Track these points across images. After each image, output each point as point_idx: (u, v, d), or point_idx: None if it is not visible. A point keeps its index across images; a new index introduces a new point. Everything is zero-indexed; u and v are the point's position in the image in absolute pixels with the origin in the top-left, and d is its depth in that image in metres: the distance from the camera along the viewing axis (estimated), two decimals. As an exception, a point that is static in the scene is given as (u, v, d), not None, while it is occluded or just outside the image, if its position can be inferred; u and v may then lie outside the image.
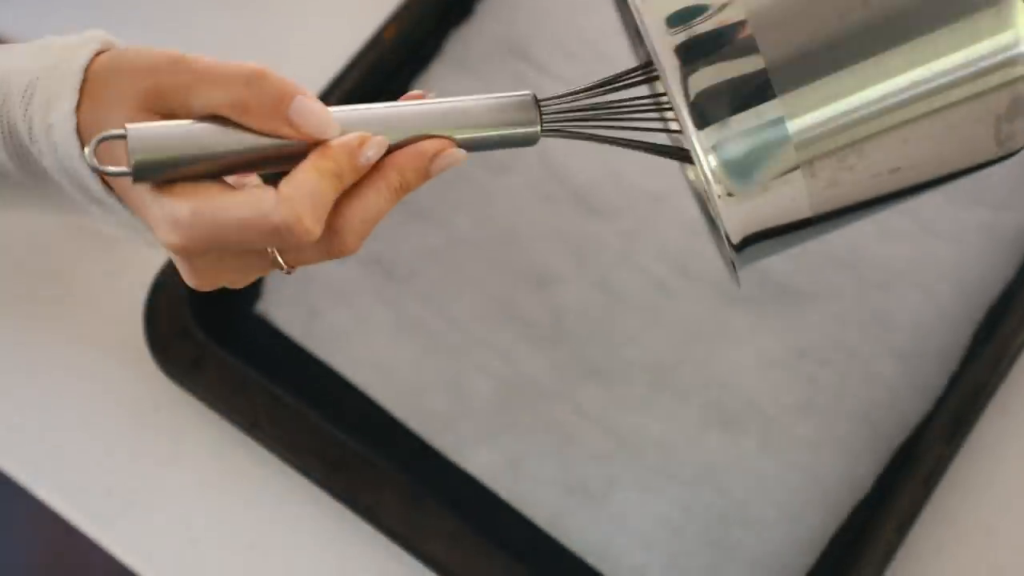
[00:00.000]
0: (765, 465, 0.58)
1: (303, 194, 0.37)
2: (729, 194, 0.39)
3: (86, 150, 0.37)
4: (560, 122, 0.42)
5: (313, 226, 0.38)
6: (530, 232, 0.63)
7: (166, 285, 0.59)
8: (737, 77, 0.38)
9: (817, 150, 0.39)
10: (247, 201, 0.38)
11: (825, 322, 0.60)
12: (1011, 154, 0.42)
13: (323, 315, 0.61)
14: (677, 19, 0.39)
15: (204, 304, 0.60)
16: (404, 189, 0.40)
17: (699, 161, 0.39)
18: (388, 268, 0.62)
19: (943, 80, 0.39)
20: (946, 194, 0.61)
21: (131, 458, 0.60)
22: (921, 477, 0.55)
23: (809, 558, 0.57)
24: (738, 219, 0.40)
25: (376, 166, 0.39)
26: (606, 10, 0.67)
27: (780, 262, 0.61)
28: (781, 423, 0.58)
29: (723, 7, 0.38)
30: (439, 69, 0.67)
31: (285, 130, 0.38)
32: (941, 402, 0.57)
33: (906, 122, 0.39)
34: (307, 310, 0.61)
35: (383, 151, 0.39)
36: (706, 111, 0.38)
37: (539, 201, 0.63)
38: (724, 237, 0.41)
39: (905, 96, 0.39)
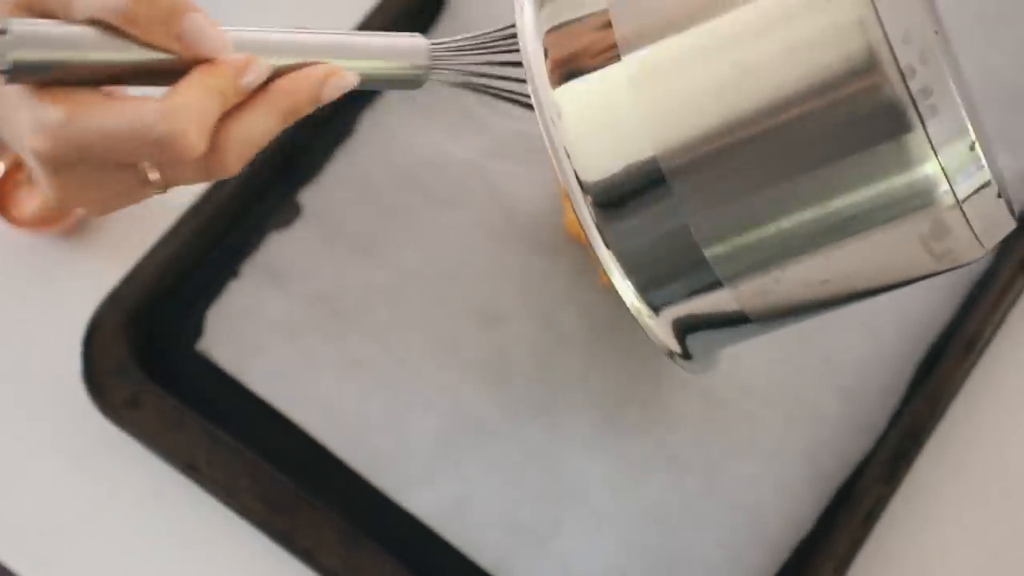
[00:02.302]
0: (709, 505, 0.58)
1: (188, 108, 0.36)
2: (655, 312, 0.41)
3: None
4: (448, 70, 0.43)
5: (198, 141, 0.37)
6: (476, 268, 0.62)
7: (104, 322, 0.58)
8: (650, 211, 0.39)
9: (737, 272, 0.40)
10: (129, 110, 0.36)
11: (770, 362, 0.60)
12: (958, 266, 0.41)
13: (266, 353, 0.60)
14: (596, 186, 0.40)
15: (143, 341, 0.59)
16: (293, 112, 0.39)
17: (620, 288, 0.40)
18: (333, 305, 0.61)
19: (852, 209, 0.38)
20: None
21: (67, 498, 0.59)
22: (860, 516, 0.55)
23: (752, 598, 0.57)
24: (666, 333, 0.42)
25: (264, 88, 0.39)
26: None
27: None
28: (725, 463, 0.58)
29: (637, 155, 0.39)
30: (383, 103, 0.66)
31: (174, 46, 0.37)
32: (881, 441, 0.58)
33: (824, 245, 0.40)
34: (250, 348, 0.60)
35: (267, 74, 0.39)
36: (630, 256, 0.40)
37: (486, 237, 0.63)
38: (663, 352, 0.43)
39: (817, 225, 0.39)
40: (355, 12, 0.66)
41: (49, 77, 0.36)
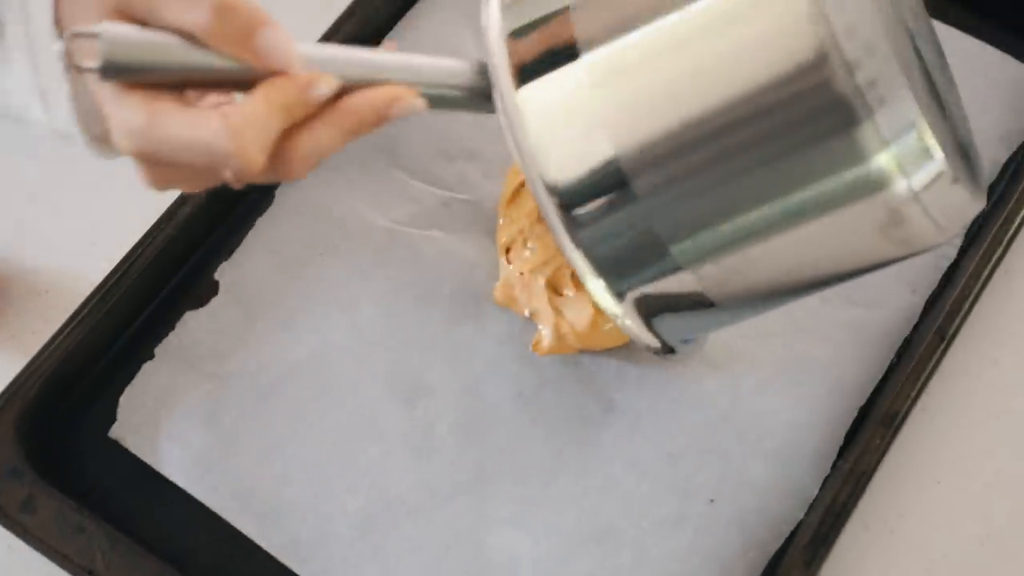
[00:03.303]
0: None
1: (249, 124, 0.39)
2: (620, 300, 0.42)
3: (62, 37, 0.39)
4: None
5: (256, 156, 0.39)
6: (401, 339, 0.61)
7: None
8: (615, 211, 0.40)
9: (702, 264, 0.41)
10: (194, 123, 0.39)
11: (698, 426, 0.58)
12: (924, 251, 0.42)
13: (182, 437, 0.58)
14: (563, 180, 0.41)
15: (43, 437, 0.57)
16: (357, 131, 0.41)
17: (591, 289, 0.42)
18: (252, 384, 0.59)
19: (810, 202, 0.39)
20: (817, 295, 0.61)
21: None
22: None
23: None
24: (640, 328, 0.43)
25: (332, 104, 0.41)
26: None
27: (653, 363, 0.60)
28: (655, 535, 0.56)
29: (599, 155, 0.40)
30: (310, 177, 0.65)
31: (250, 58, 0.40)
32: (800, 525, 0.55)
33: (785, 236, 0.40)
34: (165, 432, 0.58)
35: (334, 90, 0.40)
36: (597, 255, 0.41)
37: (410, 307, 0.61)
38: (644, 349, 0.44)
39: (777, 219, 0.40)
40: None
41: (136, 79, 0.40)
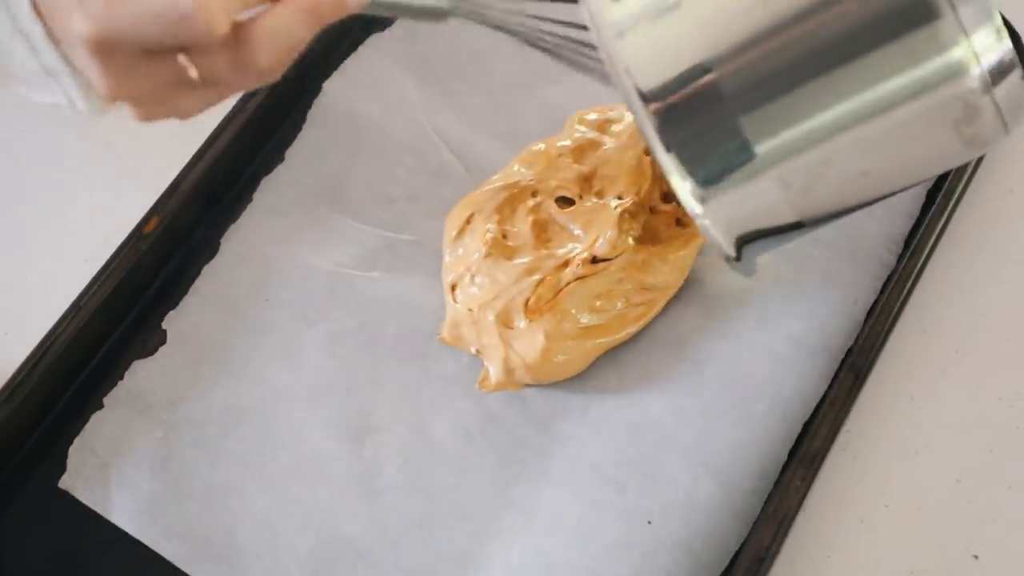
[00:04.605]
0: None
1: None
2: (704, 203, 0.44)
3: None
4: (475, 7, 0.46)
5: (220, 16, 0.39)
6: (346, 382, 0.61)
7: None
8: (704, 111, 0.42)
9: (784, 165, 0.43)
10: None
11: (644, 452, 0.59)
12: (983, 151, 0.46)
13: (131, 485, 0.58)
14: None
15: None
16: (316, 15, 0.42)
17: (679, 190, 0.44)
18: (200, 431, 0.60)
19: (890, 98, 0.42)
20: (759, 307, 0.62)
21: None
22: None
23: None
24: (723, 226, 0.45)
25: None
26: (417, 152, 0.67)
27: (598, 391, 0.61)
28: (603, 561, 0.56)
29: (689, 61, 0.42)
30: (248, 220, 0.66)
31: None
32: (752, 532, 0.56)
33: (864, 135, 0.43)
34: (113, 482, 0.58)
35: None
36: (687, 157, 0.43)
37: (355, 349, 0.62)
38: (719, 254, 0.46)
39: (858, 115, 0.42)
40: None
41: None
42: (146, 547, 0.57)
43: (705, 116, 0.43)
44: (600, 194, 0.63)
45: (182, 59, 0.41)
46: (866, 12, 0.41)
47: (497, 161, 0.66)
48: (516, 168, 0.64)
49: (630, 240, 0.61)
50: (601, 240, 0.61)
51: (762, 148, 0.43)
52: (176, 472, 0.59)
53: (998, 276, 0.65)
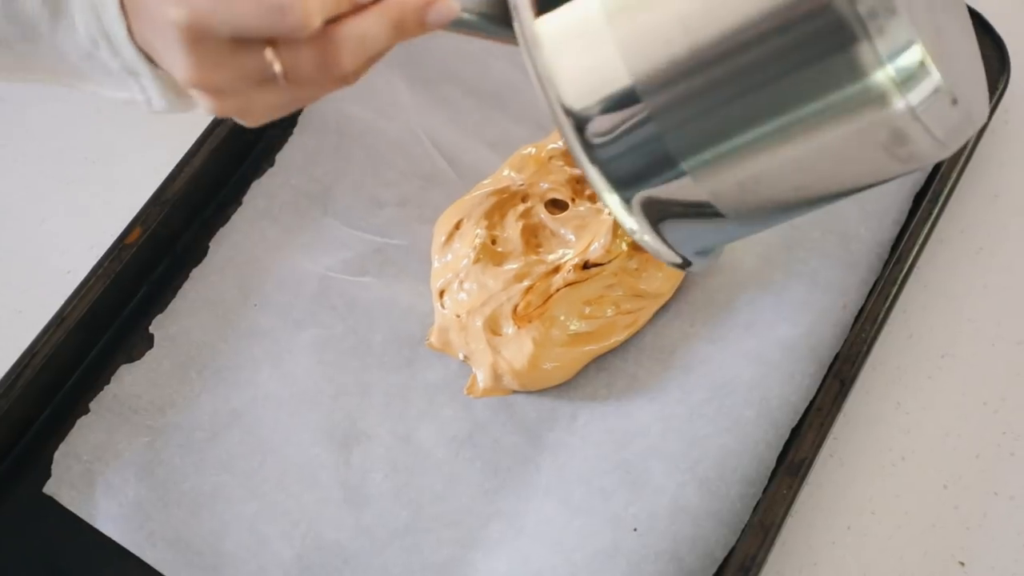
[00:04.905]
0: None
1: None
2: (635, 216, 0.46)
3: None
4: None
5: (314, 11, 0.40)
6: (335, 387, 0.61)
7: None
8: (629, 130, 0.43)
9: (714, 180, 0.44)
10: None
11: (630, 458, 0.59)
12: (927, 165, 0.45)
13: (116, 491, 0.58)
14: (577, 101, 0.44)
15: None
16: (401, 26, 0.43)
17: (608, 203, 0.45)
18: (187, 436, 0.60)
19: (814, 121, 0.42)
20: (747, 314, 0.62)
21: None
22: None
23: None
24: (657, 242, 0.46)
25: (381, 2, 0.42)
26: (409, 155, 0.67)
27: (586, 399, 0.61)
28: (588, 569, 0.56)
29: (615, 82, 0.43)
30: (237, 224, 0.66)
31: None
32: (739, 540, 0.56)
33: (794, 155, 0.43)
34: (99, 489, 0.58)
35: None
36: (613, 173, 0.44)
37: (344, 354, 0.62)
38: (669, 263, 0.47)
39: (783, 136, 0.42)
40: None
41: None
42: (132, 554, 0.57)
43: (631, 134, 0.43)
44: (593, 198, 0.63)
45: (268, 53, 0.41)
46: (787, 37, 0.40)
47: (488, 165, 0.66)
48: (506, 172, 0.64)
49: (623, 245, 0.61)
50: (595, 244, 0.61)
51: (691, 165, 0.43)
52: (162, 478, 0.59)
53: (984, 282, 0.65)
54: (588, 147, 0.44)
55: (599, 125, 0.43)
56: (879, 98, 0.40)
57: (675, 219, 0.46)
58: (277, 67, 0.42)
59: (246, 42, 0.41)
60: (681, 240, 0.48)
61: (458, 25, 0.45)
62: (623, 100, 0.43)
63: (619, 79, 0.42)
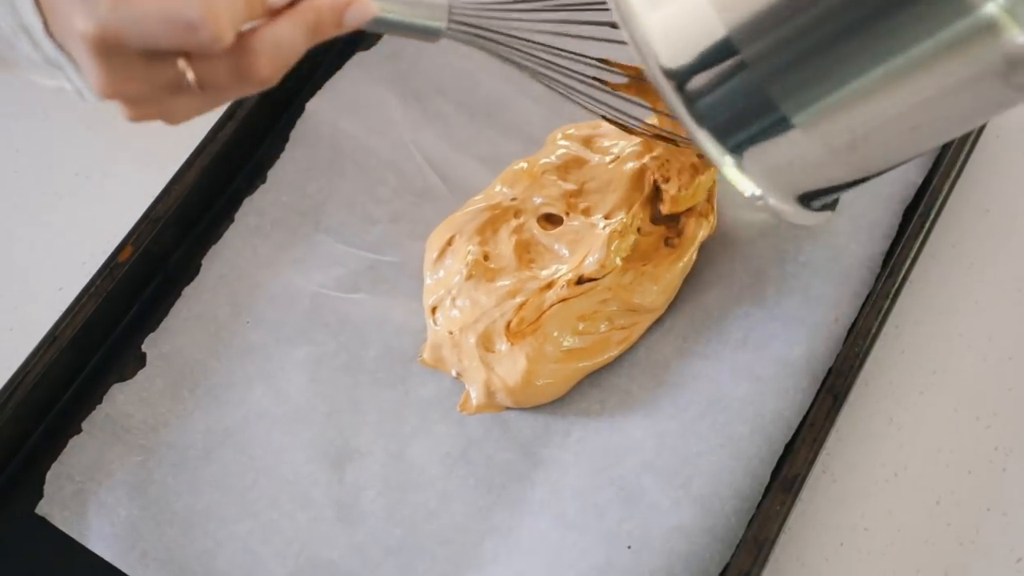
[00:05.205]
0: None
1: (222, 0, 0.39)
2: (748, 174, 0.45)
3: None
4: (466, 25, 0.46)
5: (227, 26, 0.39)
6: (328, 405, 0.61)
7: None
8: (732, 86, 0.43)
9: (825, 130, 0.43)
10: None
11: (625, 475, 0.59)
12: None
13: (109, 511, 0.58)
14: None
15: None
16: (317, 29, 0.42)
17: (728, 174, 0.45)
18: (180, 455, 0.60)
19: (926, 59, 0.41)
20: (740, 329, 0.62)
21: None
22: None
23: None
24: (778, 193, 0.46)
25: (296, 6, 0.42)
26: (401, 172, 0.67)
27: (579, 415, 0.61)
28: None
29: (711, 36, 0.43)
30: (230, 241, 0.65)
31: None
32: (733, 556, 0.56)
33: (907, 96, 0.42)
34: (91, 509, 0.58)
35: None
36: (719, 128, 0.44)
37: (337, 371, 0.62)
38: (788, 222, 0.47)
39: (895, 78, 0.42)
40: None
41: None
42: (124, 574, 0.57)
43: (733, 89, 0.43)
44: (587, 212, 0.63)
45: (181, 64, 0.41)
46: None
47: (480, 181, 0.66)
48: (498, 188, 0.64)
49: (618, 261, 0.61)
50: (590, 259, 0.61)
51: (799, 118, 0.43)
52: (155, 497, 0.58)
53: (975, 296, 0.65)
54: (690, 105, 0.44)
55: (698, 81, 0.43)
56: (990, 27, 0.40)
57: (790, 176, 0.45)
58: (191, 77, 0.41)
59: (159, 53, 0.40)
60: (798, 196, 0.47)
61: (378, 24, 0.45)
62: (719, 52, 0.43)
63: (715, 32, 0.42)
